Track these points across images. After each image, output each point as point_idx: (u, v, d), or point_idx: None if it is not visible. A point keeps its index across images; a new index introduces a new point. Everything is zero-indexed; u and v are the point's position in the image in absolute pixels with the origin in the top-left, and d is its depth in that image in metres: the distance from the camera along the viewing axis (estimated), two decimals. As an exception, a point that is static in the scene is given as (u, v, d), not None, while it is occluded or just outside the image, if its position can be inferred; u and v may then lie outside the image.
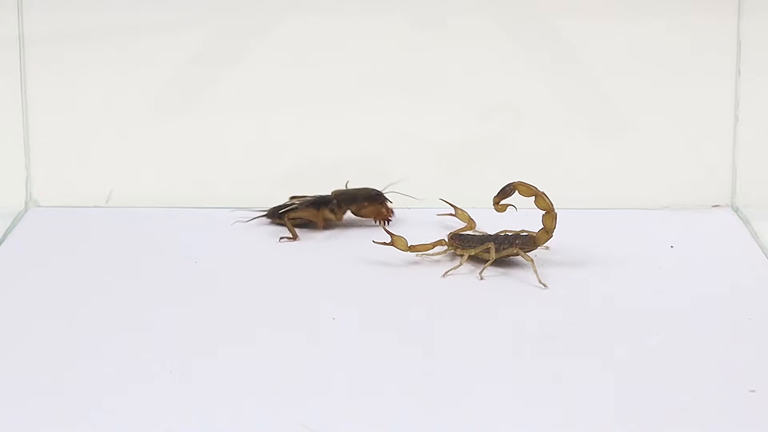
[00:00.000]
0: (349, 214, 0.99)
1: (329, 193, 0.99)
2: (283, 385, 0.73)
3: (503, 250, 0.89)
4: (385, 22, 1.04)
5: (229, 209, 1.00)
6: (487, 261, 0.89)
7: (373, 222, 0.99)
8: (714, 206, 1.02)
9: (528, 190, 0.90)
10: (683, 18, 1.04)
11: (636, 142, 1.05)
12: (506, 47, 1.04)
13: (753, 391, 0.73)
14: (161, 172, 1.03)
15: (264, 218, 0.98)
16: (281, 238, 0.96)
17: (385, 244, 0.90)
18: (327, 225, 0.98)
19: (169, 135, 1.05)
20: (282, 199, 0.99)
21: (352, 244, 0.94)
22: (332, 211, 0.98)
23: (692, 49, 1.04)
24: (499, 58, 1.04)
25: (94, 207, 1.01)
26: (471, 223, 0.94)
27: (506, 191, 0.90)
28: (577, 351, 0.78)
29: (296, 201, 0.98)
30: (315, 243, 0.95)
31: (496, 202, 0.91)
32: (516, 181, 0.90)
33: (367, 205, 0.99)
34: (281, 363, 0.76)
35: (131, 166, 1.04)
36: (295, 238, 0.96)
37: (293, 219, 0.96)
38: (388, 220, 0.98)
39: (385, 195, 0.99)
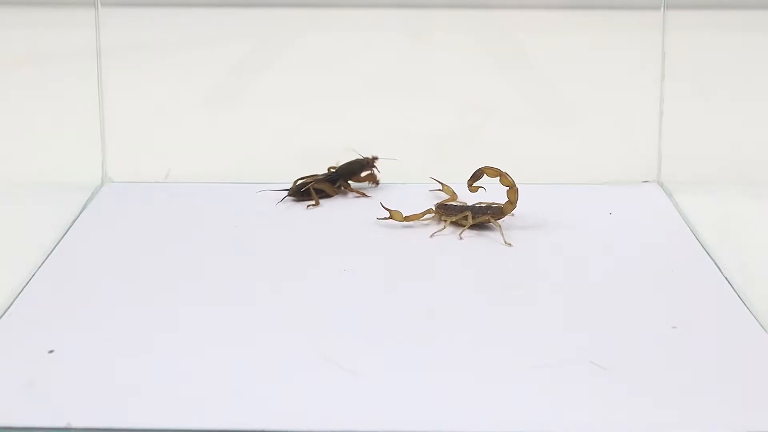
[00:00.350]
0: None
1: (333, 170, 0.98)
2: (307, 322, 0.74)
3: (478, 217, 0.90)
4: (385, 38, 1.04)
5: (263, 184, 1.00)
6: (465, 225, 0.90)
7: (369, 185, 0.99)
8: (644, 182, 1.02)
9: (494, 171, 0.90)
10: (621, 33, 1.04)
11: (581, 130, 1.06)
12: (480, 57, 1.04)
13: (674, 327, 0.73)
14: (209, 154, 1.03)
15: (286, 193, 0.98)
16: (308, 206, 0.95)
17: (385, 218, 0.91)
18: (336, 194, 0.98)
19: (216, 125, 1.05)
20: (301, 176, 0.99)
21: (361, 212, 0.94)
22: (341, 185, 0.98)
23: (628, 58, 1.04)
24: (474, 66, 1.04)
25: (156, 182, 1.01)
26: (454, 195, 0.94)
27: (476, 175, 0.91)
28: (534, 295, 0.79)
29: (307, 179, 0.97)
30: (331, 211, 0.95)
31: (469, 185, 0.91)
32: (483, 165, 0.90)
33: (363, 172, 0.99)
34: (303, 305, 0.77)
35: (186, 149, 1.04)
36: (317, 204, 0.95)
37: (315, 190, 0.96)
38: (377, 182, 0.99)
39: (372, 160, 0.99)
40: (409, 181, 1.00)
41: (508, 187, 0.90)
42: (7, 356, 0.69)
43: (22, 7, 1.03)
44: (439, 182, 0.96)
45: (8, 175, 0.88)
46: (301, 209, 0.95)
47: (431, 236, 0.89)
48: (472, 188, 0.91)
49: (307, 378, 0.67)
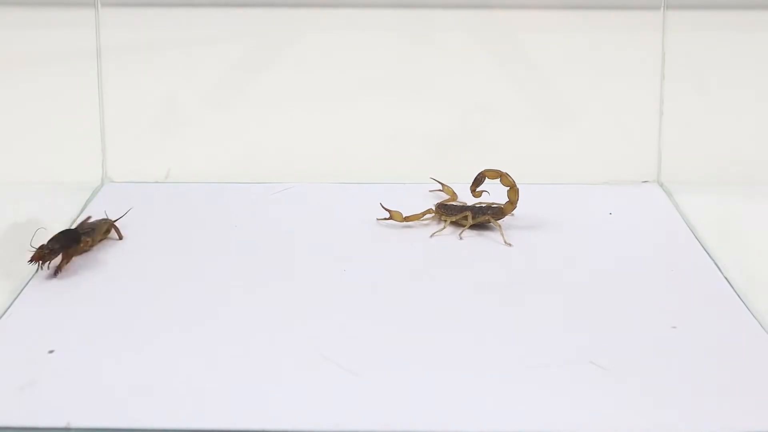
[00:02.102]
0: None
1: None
2: (307, 322, 0.74)
3: (478, 217, 0.90)
4: (385, 38, 1.04)
5: (263, 184, 1.00)
6: (465, 225, 0.90)
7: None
8: (644, 182, 1.02)
9: (495, 173, 0.90)
10: (621, 33, 1.04)
11: (581, 130, 1.06)
12: (481, 57, 1.04)
13: (674, 327, 0.73)
14: (208, 154, 1.03)
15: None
16: (55, 269, 0.81)
17: (385, 219, 0.91)
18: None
19: (215, 125, 1.05)
20: (304, 177, 0.99)
21: (361, 212, 0.94)
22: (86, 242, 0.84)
23: (628, 58, 1.04)
24: (474, 66, 1.04)
25: (156, 182, 1.01)
26: (454, 195, 0.94)
27: (478, 179, 0.91)
28: (532, 294, 0.79)
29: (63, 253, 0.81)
30: (331, 211, 0.95)
31: (472, 190, 0.91)
32: (484, 169, 0.90)
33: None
34: (303, 305, 0.77)
35: (186, 149, 1.04)
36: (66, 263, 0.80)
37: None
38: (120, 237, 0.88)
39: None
40: (409, 181, 1.00)
41: (508, 187, 0.90)
42: (7, 356, 0.69)
43: (22, 7, 1.03)
44: (439, 182, 0.96)
45: (8, 175, 0.88)
46: (300, 209, 0.95)
47: (431, 236, 0.89)
48: (476, 193, 0.91)
49: (307, 378, 0.67)
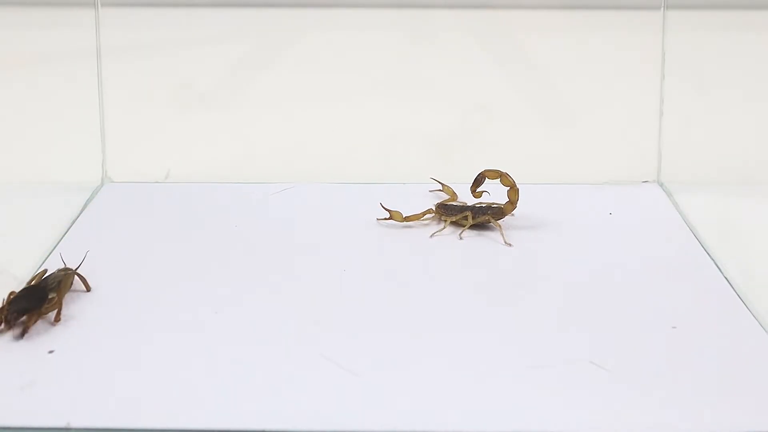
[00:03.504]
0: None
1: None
2: (307, 323, 0.74)
3: (478, 217, 0.90)
4: (387, 37, 1.04)
5: (263, 184, 1.00)
6: (465, 225, 0.90)
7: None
8: (644, 182, 1.02)
9: (494, 173, 0.90)
10: (621, 33, 1.04)
11: (581, 130, 1.06)
12: (481, 57, 1.04)
13: (674, 327, 0.73)
14: (209, 154, 1.03)
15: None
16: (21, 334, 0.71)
17: (385, 218, 0.91)
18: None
19: (215, 125, 1.05)
20: (304, 177, 0.99)
21: (361, 212, 0.94)
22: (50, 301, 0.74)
23: (628, 58, 1.04)
24: (474, 66, 1.04)
25: (155, 183, 1.01)
26: (454, 195, 0.94)
27: (478, 180, 0.91)
28: (532, 294, 0.79)
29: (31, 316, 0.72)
30: (330, 212, 0.95)
31: (472, 191, 0.91)
32: (484, 169, 0.91)
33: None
34: (303, 305, 0.76)
35: (186, 149, 1.04)
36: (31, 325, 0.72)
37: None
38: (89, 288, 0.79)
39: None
40: (409, 181, 1.00)
41: (508, 187, 0.90)
42: (7, 356, 0.69)
43: (22, 7, 1.03)
44: (439, 182, 0.96)
45: (8, 175, 0.88)
46: (300, 209, 0.95)
47: (431, 236, 0.89)
48: (476, 194, 0.91)
49: (307, 378, 0.67)
